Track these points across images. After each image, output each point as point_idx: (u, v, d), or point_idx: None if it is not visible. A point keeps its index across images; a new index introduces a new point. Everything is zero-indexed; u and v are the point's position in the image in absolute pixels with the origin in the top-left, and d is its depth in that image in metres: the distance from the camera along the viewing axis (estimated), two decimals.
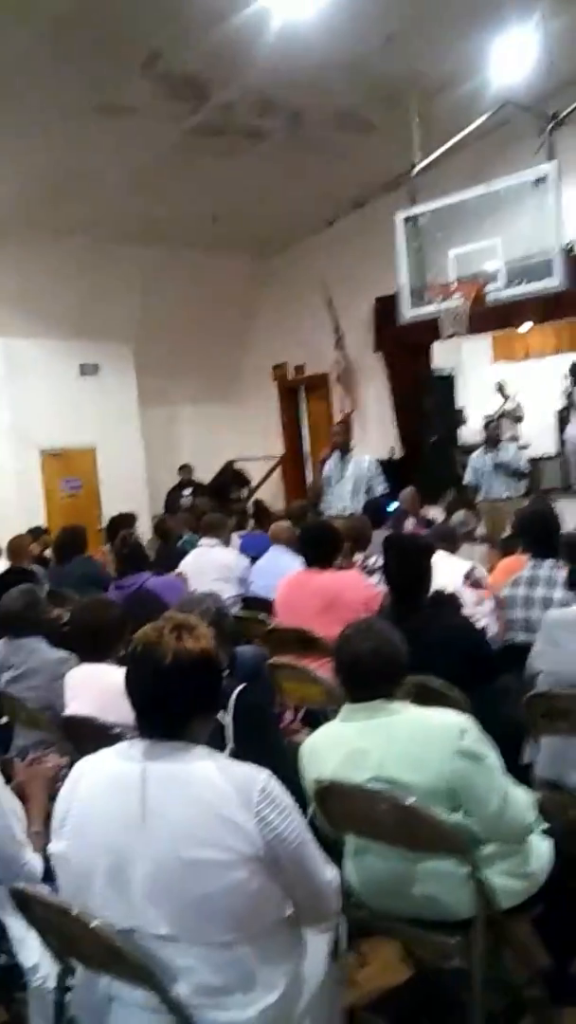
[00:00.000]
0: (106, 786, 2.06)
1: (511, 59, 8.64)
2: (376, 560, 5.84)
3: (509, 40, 8.47)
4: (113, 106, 8.95)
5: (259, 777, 2.01)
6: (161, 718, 2.04)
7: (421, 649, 3.01)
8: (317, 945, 2.23)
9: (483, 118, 8.70)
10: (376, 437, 13.02)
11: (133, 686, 2.07)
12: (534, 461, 13.06)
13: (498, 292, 8.13)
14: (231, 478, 13.04)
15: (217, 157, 10.34)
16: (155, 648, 2.02)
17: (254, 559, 6.61)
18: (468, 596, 4.62)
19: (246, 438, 13.55)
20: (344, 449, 8.20)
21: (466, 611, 4.48)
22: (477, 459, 10.44)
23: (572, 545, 4.17)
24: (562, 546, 4.26)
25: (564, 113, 8.12)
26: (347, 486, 8.05)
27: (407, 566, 3.73)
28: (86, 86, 8.52)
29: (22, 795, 2.80)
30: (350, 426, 9.27)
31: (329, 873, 2.16)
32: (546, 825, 2.72)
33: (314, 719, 4.21)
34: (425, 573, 3.73)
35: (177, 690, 2.02)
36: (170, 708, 2.03)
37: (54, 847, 2.12)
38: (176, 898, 1.94)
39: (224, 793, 1.96)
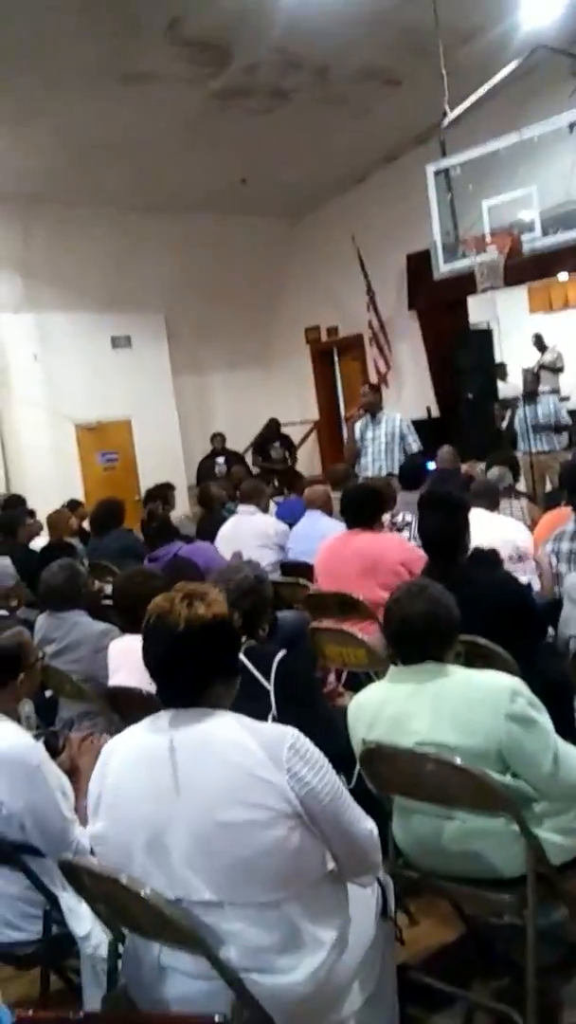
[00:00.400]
0: (135, 761, 2.06)
1: (540, 1, 8.42)
2: (404, 517, 5.80)
3: None
4: (137, 74, 8.86)
5: (287, 734, 2.01)
6: (179, 686, 2.05)
7: (463, 607, 2.97)
8: (364, 905, 2.23)
9: (513, 64, 8.46)
10: (412, 396, 12.90)
11: (149, 656, 2.07)
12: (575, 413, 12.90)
13: (534, 242, 7.96)
14: (275, 435, 12.91)
15: (243, 119, 10.22)
16: (167, 616, 2.03)
17: (290, 525, 6.59)
18: (505, 551, 4.55)
19: (281, 403, 13.48)
20: (375, 410, 8.13)
21: (508, 566, 4.44)
22: (519, 412, 10.38)
23: None
24: None
25: None
26: (380, 446, 7.99)
27: (441, 523, 3.67)
28: (110, 56, 8.45)
29: (70, 770, 2.82)
30: (379, 387, 9.19)
31: (368, 824, 2.16)
32: None
33: (356, 682, 4.20)
34: (461, 529, 3.67)
35: (192, 656, 2.02)
36: (187, 675, 2.04)
37: (91, 828, 2.13)
38: (217, 862, 1.94)
39: (254, 753, 1.96)
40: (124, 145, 10.07)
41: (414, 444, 8.03)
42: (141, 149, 10.20)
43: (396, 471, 7.76)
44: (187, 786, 1.97)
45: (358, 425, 8.19)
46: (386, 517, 5.94)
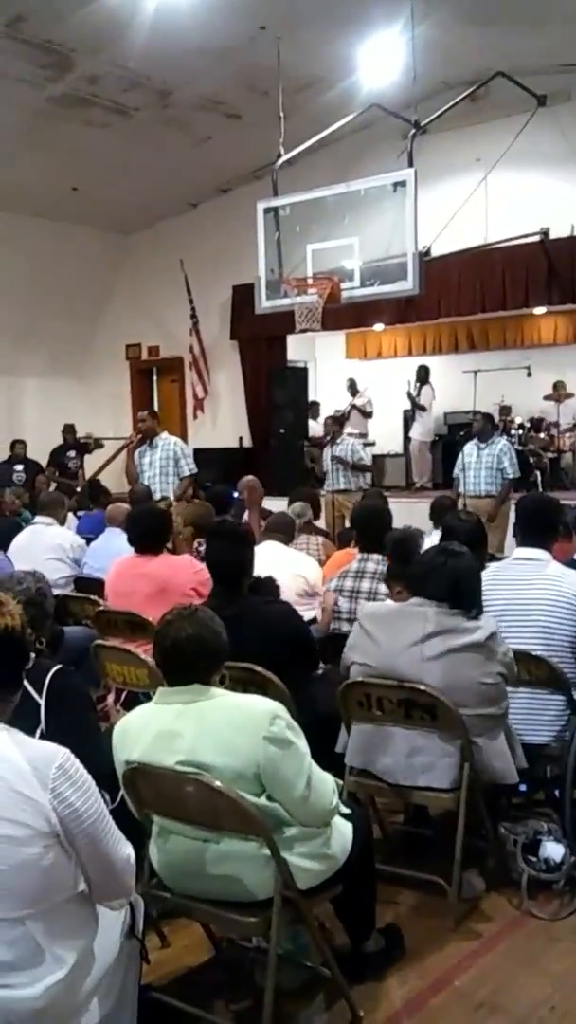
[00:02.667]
0: None
1: (380, 63, 8.82)
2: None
3: (379, 44, 8.64)
4: None
5: (57, 754, 2.01)
6: None
7: (243, 635, 3.05)
8: (111, 923, 2.24)
9: (349, 117, 8.84)
10: (227, 425, 13.08)
11: None
12: (380, 458, 13.44)
13: (353, 291, 8.24)
14: (71, 444, 12.57)
15: (81, 129, 10.15)
16: None
17: (90, 540, 6.52)
18: (294, 585, 4.70)
19: (95, 417, 13.31)
20: (151, 435, 8.22)
21: (297, 601, 4.57)
22: (325, 452, 10.73)
23: (397, 542, 4.28)
24: (388, 542, 4.37)
25: (426, 122, 8.31)
26: (156, 469, 8.07)
27: (225, 553, 3.76)
28: None
29: None
30: (156, 413, 9.35)
31: (126, 850, 2.18)
32: (347, 810, 2.81)
33: (136, 702, 4.20)
34: (244, 560, 3.77)
35: None
36: None
37: None
38: None
39: (20, 769, 1.95)
40: None
41: (185, 468, 8.14)
42: None
43: (171, 495, 7.85)
44: None
45: (138, 450, 8.25)
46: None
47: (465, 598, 3.33)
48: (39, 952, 1.98)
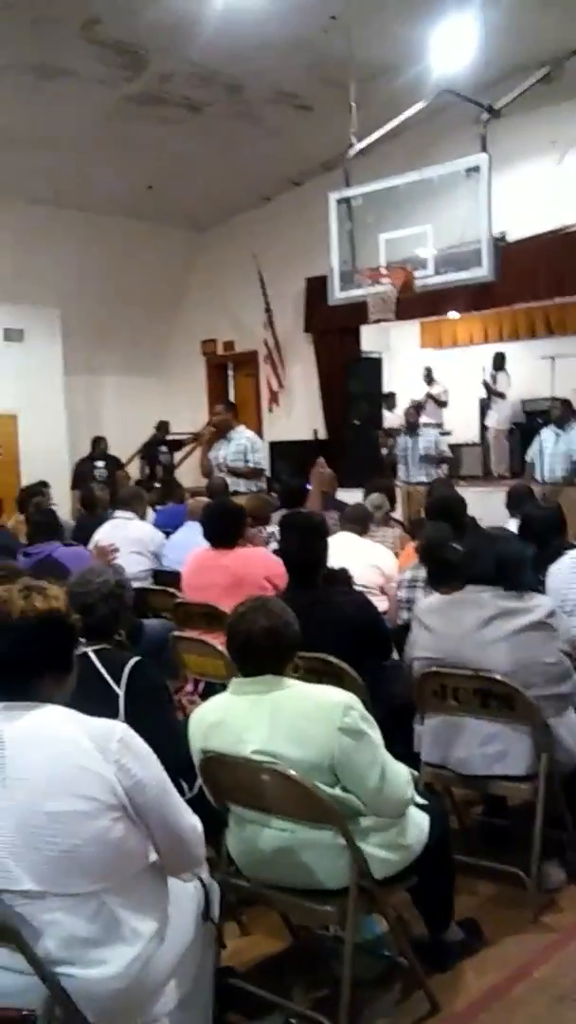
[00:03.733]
0: None
1: (451, 48, 8.70)
2: (275, 534, 5.91)
3: (450, 29, 8.53)
4: (50, 67, 8.81)
5: (116, 727, 2.06)
6: (9, 677, 2.07)
7: (316, 626, 3.07)
8: (186, 905, 2.28)
9: (421, 105, 8.75)
10: (301, 417, 13.09)
11: None
12: (456, 447, 13.31)
13: (427, 279, 8.18)
14: (164, 440, 12.76)
15: (155, 126, 10.26)
16: (2, 606, 2.07)
17: (168, 533, 6.61)
18: (369, 576, 4.70)
19: (172, 413, 13.46)
20: (226, 428, 8.27)
21: (374, 593, 4.58)
22: (400, 441, 10.69)
23: (425, 550, 4.25)
24: (419, 551, 4.34)
25: (499, 106, 8.20)
26: (229, 463, 8.13)
27: (297, 544, 3.78)
28: (23, 45, 8.36)
29: None
30: (234, 405, 9.43)
31: (192, 819, 2.22)
32: (423, 801, 2.80)
33: (213, 692, 4.25)
34: (318, 550, 3.78)
35: (22, 648, 2.06)
36: (17, 666, 2.07)
37: None
38: (41, 852, 1.96)
39: (82, 745, 2.00)
40: (32, 138, 9.97)
41: (251, 463, 8.18)
42: (49, 144, 10.11)
43: (242, 488, 7.91)
44: (14, 777, 1.99)
45: (214, 444, 8.32)
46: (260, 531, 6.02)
47: (513, 577, 3.31)
48: (117, 926, 2.02)
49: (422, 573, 4.45)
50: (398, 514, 9.11)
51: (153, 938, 2.07)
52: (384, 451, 12.00)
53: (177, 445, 12.64)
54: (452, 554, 3.91)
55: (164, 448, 12.65)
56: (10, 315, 11.96)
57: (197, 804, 2.52)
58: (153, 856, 2.13)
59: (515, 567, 3.35)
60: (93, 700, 2.38)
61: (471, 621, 3.32)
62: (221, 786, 2.69)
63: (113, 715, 2.88)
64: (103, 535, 6.48)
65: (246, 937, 3.17)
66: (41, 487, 8.47)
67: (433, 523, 4.64)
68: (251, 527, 5.66)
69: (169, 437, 12.73)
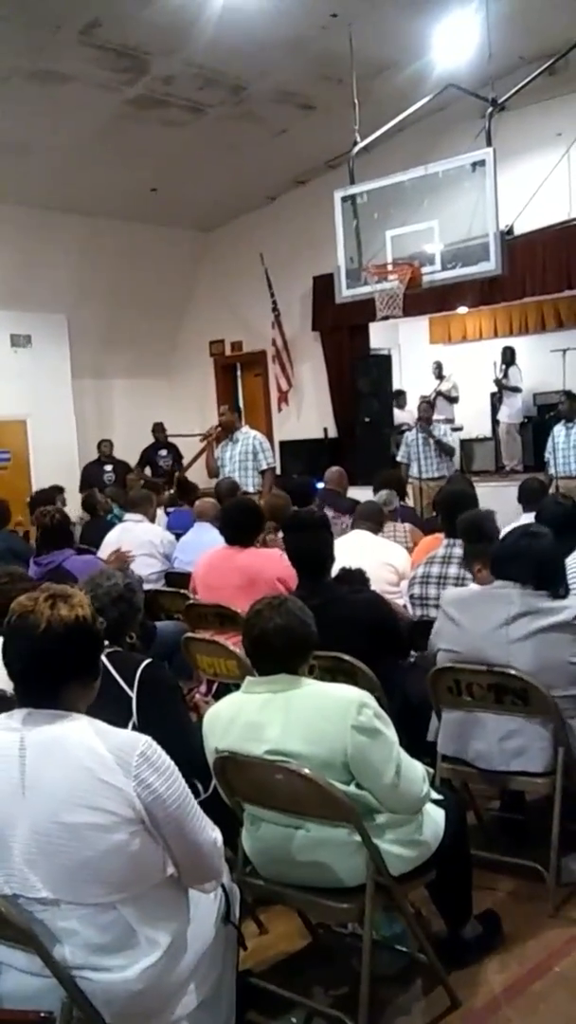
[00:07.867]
0: None
1: (454, 43, 8.68)
2: None
3: (452, 23, 8.51)
4: (50, 72, 8.79)
5: (139, 741, 2.04)
6: (37, 685, 2.07)
7: (327, 625, 3.06)
8: (206, 909, 2.27)
9: (424, 100, 8.72)
10: (311, 416, 13.08)
11: (9, 655, 2.09)
12: (467, 442, 13.29)
13: (434, 275, 8.16)
14: (163, 444, 12.72)
15: (158, 129, 10.25)
16: (29, 616, 2.05)
17: (179, 535, 6.61)
18: (382, 574, 4.68)
19: (181, 414, 13.47)
20: (232, 429, 8.29)
21: (381, 588, 4.55)
22: (410, 436, 10.65)
23: (470, 524, 4.22)
24: (460, 524, 4.31)
25: (503, 99, 8.16)
26: (236, 464, 8.14)
27: (302, 541, 3.77)
28: (22, 50, 8.36)
29: None
30: (238, 407, 9.43)
31: (213, 834, 2.20)
32: (438, 797, 2.79)
33: (226, 693, 4.24)
34: (323, 547, 3.77)
35: (51, 657, 2.05)
36: (45, 675, 2.06)
37: None
38: (57, 861, 1.96)
39: (103, 757, 1.99)
40: (34, 143, 9.98)
41: (263, 462, 8.19)
42: (52, 149, 10.11)
43: (250, 488, 7.89)
44: (34, 785, 1.99)
45: (220, 444, 8.34)
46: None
47: (550, 579, 3.29)
48: (132, 935, 2.02)
49: (435, 569, 4.43)
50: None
51: (170, 947, 2.06)
52: (396, 449, 11.98)
53: (175, 449, 12.60)
54: (491, 528, 3.89)
55: (164, 452, 12.62)
56: (17, 320, 11.99)
57: (212, 804, 2.51)
58: (171, 869, 2.12)
59: (553, 567, 3.33)
60: (105, 703, 2.37)
61: (497, 618, 3.30)
62: (235, 785, 2.69)
63: (126, 717, 2.88)
64: (113, 539, 6.50)
65: (264, 936, 3.16)
66: (56, 491, 8.49)
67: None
68: (272, 531, 5.66)
69: (169, 438, 12.69)
